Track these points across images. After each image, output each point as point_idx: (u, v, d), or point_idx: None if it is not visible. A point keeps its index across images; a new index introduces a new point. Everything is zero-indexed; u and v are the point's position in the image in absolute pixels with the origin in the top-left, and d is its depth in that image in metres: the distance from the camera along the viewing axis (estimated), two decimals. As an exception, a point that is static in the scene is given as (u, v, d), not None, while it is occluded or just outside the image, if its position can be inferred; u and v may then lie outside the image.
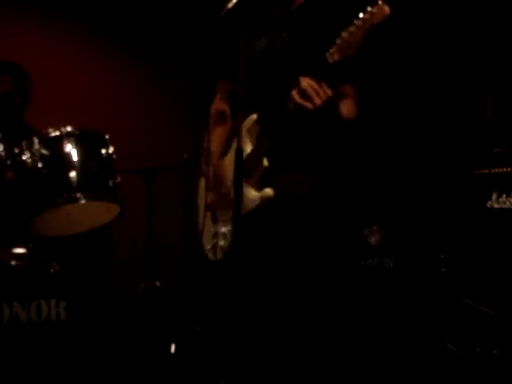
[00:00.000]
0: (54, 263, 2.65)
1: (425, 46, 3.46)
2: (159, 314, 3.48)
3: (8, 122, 3.21)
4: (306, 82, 2.00)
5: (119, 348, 3.10)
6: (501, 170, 2.55)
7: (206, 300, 3.45)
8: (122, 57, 4.52)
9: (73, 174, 2.59)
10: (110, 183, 2.70)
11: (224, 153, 2.41)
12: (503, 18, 3.15)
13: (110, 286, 3.61)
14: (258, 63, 2.26)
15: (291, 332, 2.27)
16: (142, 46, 4.52)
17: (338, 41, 1.96)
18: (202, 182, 2.52)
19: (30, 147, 2.58)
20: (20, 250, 2.65)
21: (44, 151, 2.58)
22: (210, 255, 2.39)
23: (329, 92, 2.00)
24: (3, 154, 2.62)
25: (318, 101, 1.99)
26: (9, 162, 2.62)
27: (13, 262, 2.60)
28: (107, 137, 2.75)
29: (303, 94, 2.00)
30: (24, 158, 2.57)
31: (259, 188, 2.20)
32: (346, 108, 2.22)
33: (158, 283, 3.56)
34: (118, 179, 2.75)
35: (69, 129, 2.65)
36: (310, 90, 1.99)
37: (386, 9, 1.88)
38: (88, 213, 2.79)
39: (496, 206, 2.52)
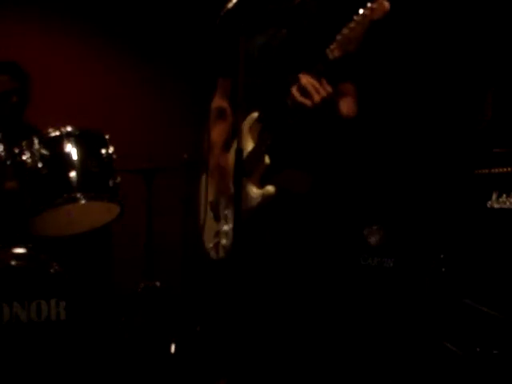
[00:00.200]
0: (54, 263, 2.65)
1: (425, 46, 3.46)
2: (159, 314, 3.48)
3: (7, 122, 3.20)
4: (305, 79, 2.00)
5: (119, 348, 3.09)
6: (501, 169, 2.54)
7: (206, 299, 3.45)
8: (122, 57, 4.52)
9: (73, 173, 2.59)
10: (110, 183, 2.70)
11: (226, 149, 2.41)
12: (503, 17, 3.15)
13: (109, 286, 3.61)
14: (257, 60, 2.26)
15: (291, 332, 2.27)
16: (141, 46, 4.52)
17: (339, 37, 1.96)
18: (204, 179, 2.52)
19: (29, 147, 2.58)
20: (20, 250, 2.65)
21: (44, 151, 2.58)
22: (212, 254, 2.39)
23: (328, 89, 2.00)
24: (3, 154, 2.62)
25: (317, 98, 1.99)
26: (9, 162, 2.62)
27: (13, 262, 2.60)
28: (107, 137, 2.75)
29: (303, 91, 2.00)
30: (24, 157, 2.57)
31: (261, 186, 2.20)
32: (346, 106, 2.22)
33: (157, 283, 3.56)
34: (118, 179, 2.75)
35: (69, 129, 2.65)
36: (310, 86, 1.99)
37: (386, 4, 1.89)
38: (88, 213, 2.79)
39: (496, 205, 2.52)
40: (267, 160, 2.17)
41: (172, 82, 4.54)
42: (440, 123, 3.44)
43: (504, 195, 2.48)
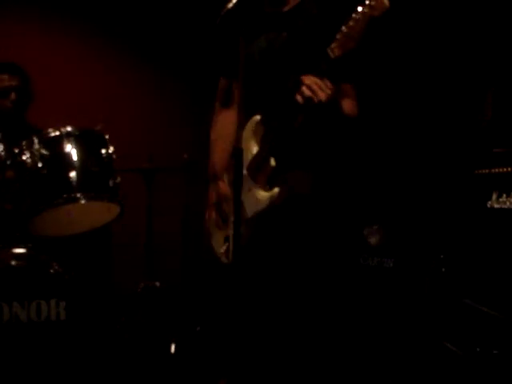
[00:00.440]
0: (54, 263, 2.65)
1: (425, 46, 3.46)
2: (159, 314, 3.48)
3: (8, 120, 3.20)
4: (309, 80, 2.01)
5: (119, 348, 3.09)
6: (501, 169, 2.54)
7: (206, 299, 3.45)
8: (122, 57, 4.52)
9: (73, 173, 2.59)
10: (110, 183, 2.70)
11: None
12: (503, 17, 3.15)
13: (110, 286, 3.61)
14: (259, 63, 2.26)
15: (291, 332, 2.27)
16: (142, 46, 4.52)
17: (339, 35, 1.97)
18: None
19: (29, 147, 2.58)
20: (20, 250, 2.65)
21: (44, 151, 2.58)
22: (223, 259, 2.38)
23: (332, 87, 2.02)
24: (3, 153, 2.62)
25: (322, 96, 2.00)
26: (9, 162, 2.62)
27: (13, 262, 2.60)
28: (107, 137, 2.75)
29: (308, 90, 2.01)
30: (24, 157, 2.56)
31: (268, 188, 2.20)
32: (348, 105, 2.23)
33: (157, 283, 3.56)
34: (118, 179, 2.75)
35: (69, 129, 2.65)
36: (315, 85, 2.00)
37: (386, 1, 1.89)
38: (88, 213, 2.79)
39: (496, 205, 2.52)
40: (273, 162, 2.18)
41: (172, 82, 4.54)
42: (440, 123, 3.44)
43: (504, 195, 2.48)
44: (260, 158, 2.20)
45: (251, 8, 2.21)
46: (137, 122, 4.40)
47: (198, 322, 3.43)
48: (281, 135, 2.15)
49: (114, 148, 2.75)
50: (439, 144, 3.38)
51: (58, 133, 2.63)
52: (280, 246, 2.26)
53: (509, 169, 2.50)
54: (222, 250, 2.38)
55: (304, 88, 2.02)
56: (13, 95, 3.18)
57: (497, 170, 2.57)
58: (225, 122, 2.47)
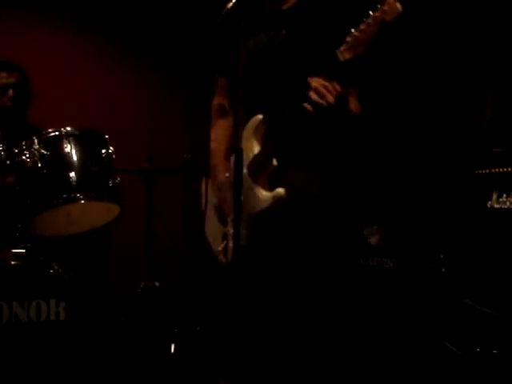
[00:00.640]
0: (54, 263, 2.65)
1: (425, 46, 3.46)
2: (159, 314, 3.48)
3: (8, 119, 3.20)
4: (316, 82, 2.01)
5: (119, 348, 3.09)
6: (501, 169, 2.54)
7: (206, 299, 3.45)
8: (122, 57, 4.52)
9: (72, 174, 2.59)
10: (110, 183, 2.70)
11: (230, 151, 2.40)
12: (503, 17, 3.14)
13: (109, 286, 3.61)
14: (259, 59, 2.26)
15: (291, 332, 2.27)
16: (142, 47, 4.52)
17: (349, 39, 1.97)
18: (205, 182, 2.51)
19: (29, 147, 2.58)
20: (20, 250, 2.65)
21: (44, 151, 2.58)
22: (221, 258, 2.38)
23: (339, 89, 2.03)
24: (3, 153, 2.61)
25: (330, 98, 2.01)
26: (8, 162, 2.62)
27: (12, 262, 2.60)
28: (107, 137, 2.75)
29: (315, 93, 2.02)
30: (24, 157, 2.56)
31: (269, 188, 2.20)
32: (354, 105, 2.23)
33: (157, 283, 3.55)
34: (118, 179, 2.75)
35: (68, 129, 2.65)
36: (322, 88, 2.01)
37: (398, 6, 1.89)
38: (88, 213, 2.79)
39: (496, 205, 2.52)
40: (275, 162, 2.17)
41: (172, 82, 4.54)
42: (440, 123, 3.44)
43: (504, 195, 2.48)
44: (261, 157, 2.20)
45: (251, 7, 2.21)
46: (137, 122, 4.40)
47: (197, 322, 3.43)
48: (284, 135, 2.15)
49: (114, 148, 2.75)
50: (439, 144, 3.38)
51: (57, 133, 2.63)
52: (280, 246, 2.26)
53: (509, 169, 2.50)
54: (220, 247, 2.38)
55: (311, 92, 2.02)
56: (11, 92, 3.18)
57: (497, 170, 2.57)
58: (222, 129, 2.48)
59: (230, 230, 2.32)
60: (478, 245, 2.62)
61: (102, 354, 2.68)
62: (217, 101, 2.52)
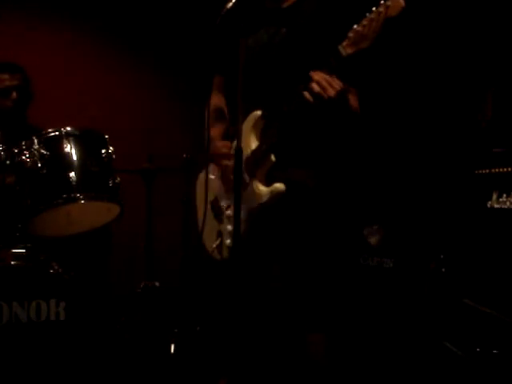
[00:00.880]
0: (54, 263, 2.65)
1: (425, 46, 3.46)
2: (159, 314, 3.47)
3: (8, 120, 3.21)
4: (318, 76, 2.02)
5: (119, 348, 3.09)
6: (501, 169, 2.54)
7: (206, 299, 3.45)
8: (122, 57, 4.52)
9: (72, 174, 2.59)
10: (110, 183, 2.70)
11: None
12: (503, 17, 3.14)
13: (109, 286, 3.61)
14: (259, 56, 2.26)
15: (291, 331, 2.27)
16: (142, 46, 4.52)
17: (351, 34, 1.97)
18: (201, 179, 2.51)
19: (29, 147, 2.58)
20: (20, 250, 2.65)
21: (43, 151, 2.58)
22: (215, 255, 2.38)
23: (340, 83, 2.03)
24: (3, 153, 2.61)
25: (331, 92, 2.01)
26: (8, 162, 2.62)
27: (12, 262, 2.59)
28: (107, 137, 2.75)
29: (317, 86, 2.02)
30: (23, 157, 2.56)
31: (267, 183, 2.20)
32: (354, 102, 2.23)
33: (157, 283, 3.55)
34: (118, 179, 2.75)
35: (68, 129, 2.65)
36: (324, 82, 2.01)
37: (402, 1, 1.89)
38: (88, 213, 2.79)
39: (496, 205, 2.52)
40: (273, 158, 2.17)
41: (172, 82, 4.54)
42: (440, 123, 3.44)
43: (504, 195, 2.48)
44: (259, 153, 2.20)
45: (251, 6, 2.21)
46: (137, 122, 4.40)
47: (197, 322, 3.43)
48: (283, 132, 2.15)
49: (114, 148, 2.75)
50: (439, 144, 3.38)
51: (57, 133, 2.63)
52: (279, 245, 2.26)
53: (509, 169, 2.50)
54: (214, 245, 2.38)
55: (313, 84, 2.02)
56: (14, 94, 3.19)
57: (497, 170, 2.57)
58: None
59: (227, 227, 2.32)
60: (477, 245, 2.62)
61: (102, 354, 2.68)
62: (214, 102, 2.52)
